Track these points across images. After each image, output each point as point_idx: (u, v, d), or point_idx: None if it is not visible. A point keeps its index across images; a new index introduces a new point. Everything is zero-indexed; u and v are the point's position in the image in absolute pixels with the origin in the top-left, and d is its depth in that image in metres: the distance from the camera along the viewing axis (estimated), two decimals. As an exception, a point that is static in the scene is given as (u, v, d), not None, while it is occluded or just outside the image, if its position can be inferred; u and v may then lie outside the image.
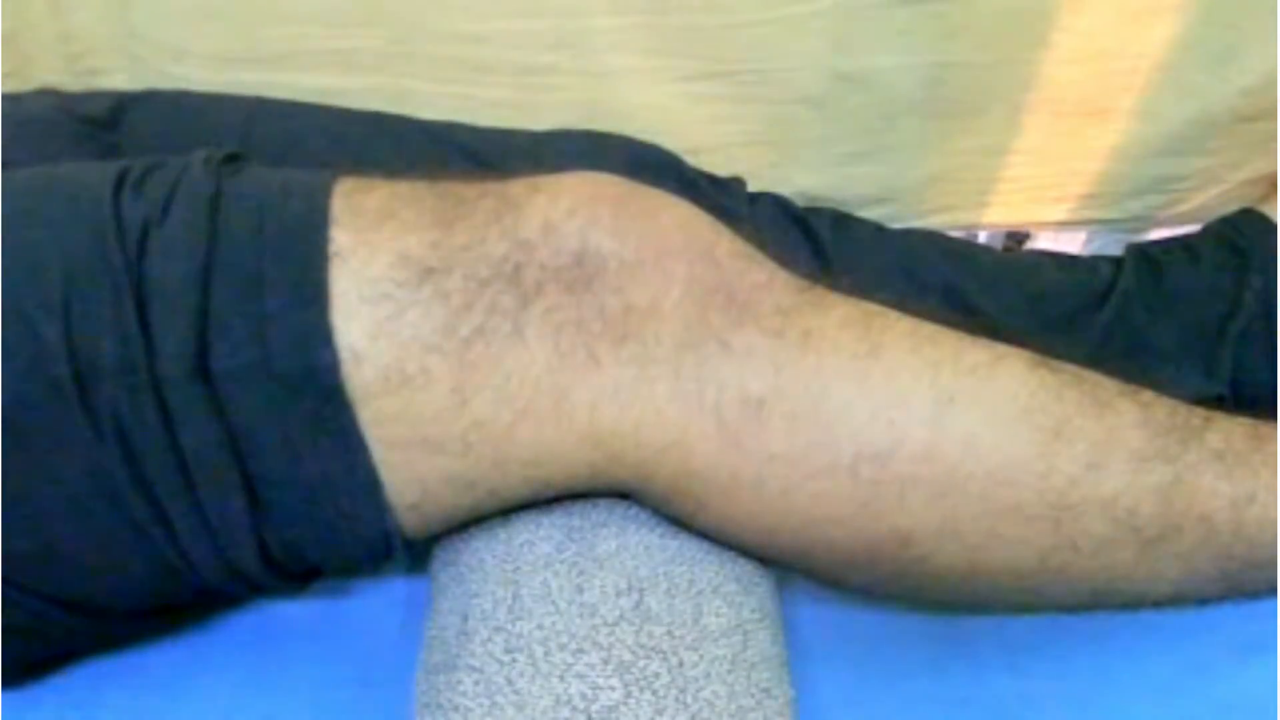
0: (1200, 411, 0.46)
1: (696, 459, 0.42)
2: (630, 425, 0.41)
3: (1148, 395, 0.46)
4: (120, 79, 0.67)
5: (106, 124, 0.60)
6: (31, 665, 0.47)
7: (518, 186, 0.43)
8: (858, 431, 0.42)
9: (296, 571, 0.46)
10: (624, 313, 0.41)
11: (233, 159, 0.45)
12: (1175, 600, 0.47)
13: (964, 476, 0.42)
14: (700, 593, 0.43)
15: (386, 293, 0.40)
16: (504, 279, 0.40)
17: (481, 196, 0.42)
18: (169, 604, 0.47)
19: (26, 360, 0.39)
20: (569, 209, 0.42)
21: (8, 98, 0.61)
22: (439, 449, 0.41)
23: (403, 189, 0.43)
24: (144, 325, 0.39)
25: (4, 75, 0.67)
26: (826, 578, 0.48)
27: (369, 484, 0.41)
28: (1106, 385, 0.45)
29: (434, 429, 0.41)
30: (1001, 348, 0.45)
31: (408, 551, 0.45)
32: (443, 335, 0.40)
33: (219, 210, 0.41)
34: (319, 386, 0.40)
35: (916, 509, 0.42)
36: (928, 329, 0.45)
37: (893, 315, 0.45)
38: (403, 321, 0.40)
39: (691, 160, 0.67)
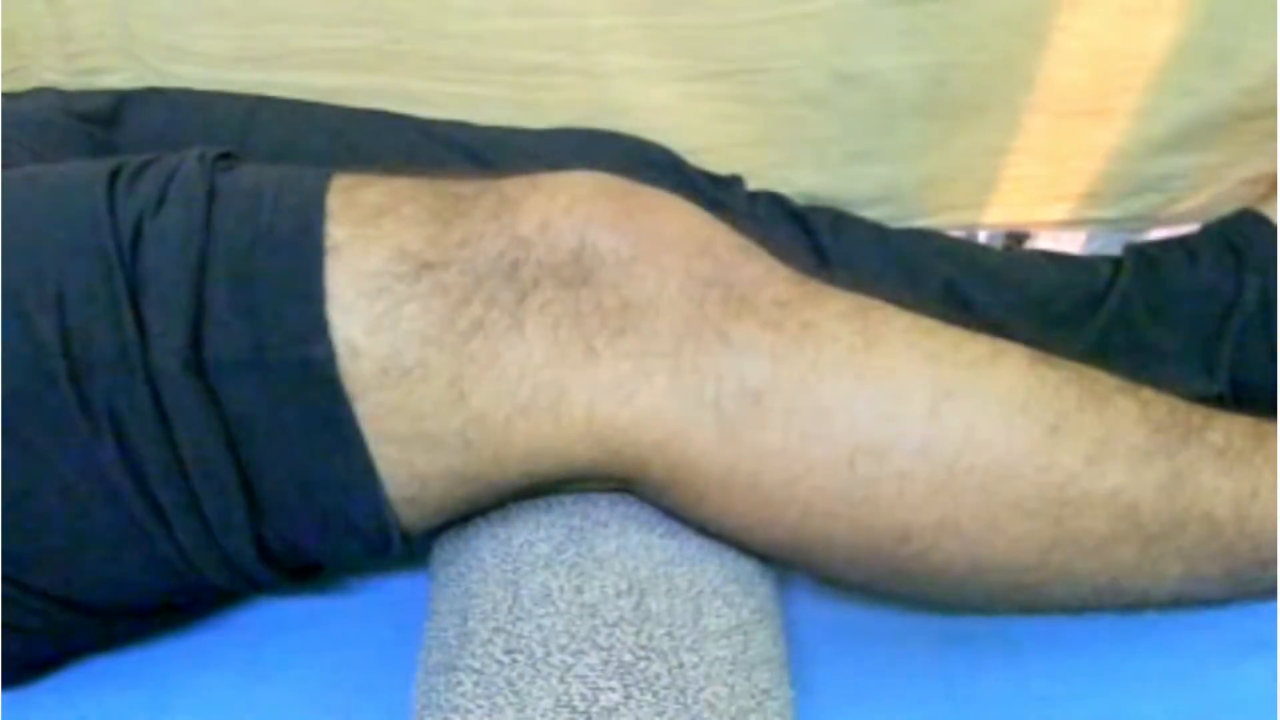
0: (1200, 409, 0.46)
1: (695, 452, 0.42)
2: (629, 420, 0.41)
3: (1147, 392, 0.46)
4: (120, 79, 0.67)
5: (106, 122, 0.60)
6: (33, 664, 0.47)
7: (515, 184, 0.43)
8: (855, 425, 0.42)
9: (294, 567, 0.46)
10: (621, 308, 0.41)
11: (226, 156, 0.45)
12: (1178, 601, 0.47)
13: (962, 470, 0.42)
14: (701, 593, 0.43)
15: (384, 286, 0.40)
16: (501, 275, 0.41)
17: (479, 194, 0.43)
18: (169, 602, 0.47)
19: (22, 354, 0.39)
20: (566, 206, 0.42)
21: (7, 97, 0.61)
22: (437, 444, 0.41)
23: (400, 185, 0.43)
24: (138, 318, 0.39)
25: (4, 75, 0.67)
26: (826, 574, 0.48)
27: (366, 478, 0.41)
28: (1106, 381, 0.45)
29: (432, 424, 0.41)
30: (1000, 342, 0.45)
31: (406, 547, 0.45)
32: (441, 329, 0.40)
33: (214, 204, 0.41)
34: (315, 380, 0.40)
35: (915, 503, 0.42)
36: (925, 323, 0.45)
37: (891, 309, 0.45)
38: (400, 315, 0.40)
39: (691, 160, 0.67)
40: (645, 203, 0.44)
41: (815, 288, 0.44)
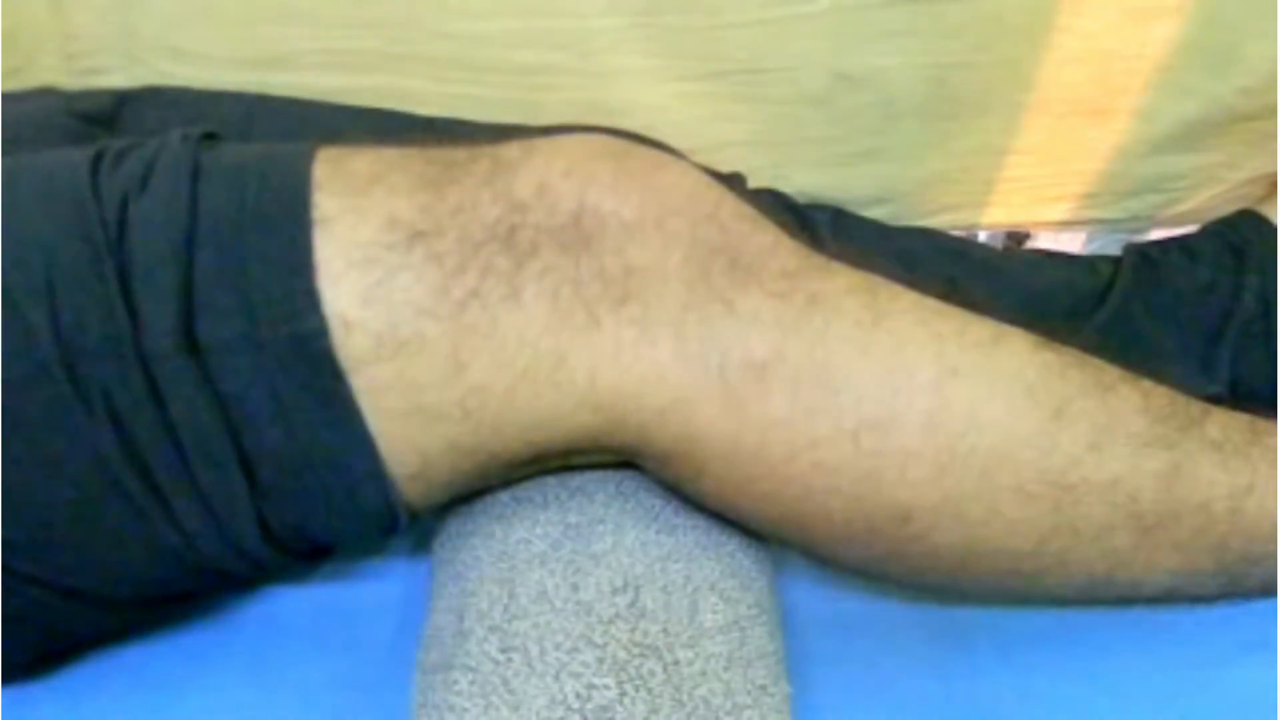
0: (1198, 403, 0.46)
1: (698, 422, 0.41)
2: (631, 388, 0.41)
3: (1148, 383, 0.46)
4: (120, 79, 0.67)
5: (106, 121, 0.60)
6: (36, 658, 0.47)
7: (511, 148, 0.42)
8: (861, 400, 0.41)
9: (302, 549, 0.45)
10: (624, 273, 0.40)
11: (210, 137, 0.44)
12: (1170, 595, 0.47)
13: (965, 451, 0.42)
14: (697, 589, 0.43)
15: (375, 257, 0.39)
16: (498, 241, 0.40)
17: (473, 159, 0.42)
18: (175, 590, 0.46)
19: (14, 345, 0.38)
20: (565, 169, 0.41)
21: (7, 97, 0.61)
22: (438, 416, 0.40)
23: (390, 154, 0.42)
24: (128, 301, 0.39)
25: (4, 75, 0.67)
26: (823, 553, 0.47)
27: (367, 454, 0.41)
28: (1108, 370, 0.45)
29: (431, 396, 0.40)
30: (1005, 326, 0.45)
31: (413, 526, 0.45)
32: (436, 299, 0.39)
33: (198, 181, 0.40)
34: (309, 355, 0.39)
35: (917, 482, 0.42)
36: (932, 303, 0.45)
37: (898, 287, 0.44)
38: (393, 285, 0.39)
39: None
40: (649, 164, 0.42)
41: (822, 261, 0.44)
